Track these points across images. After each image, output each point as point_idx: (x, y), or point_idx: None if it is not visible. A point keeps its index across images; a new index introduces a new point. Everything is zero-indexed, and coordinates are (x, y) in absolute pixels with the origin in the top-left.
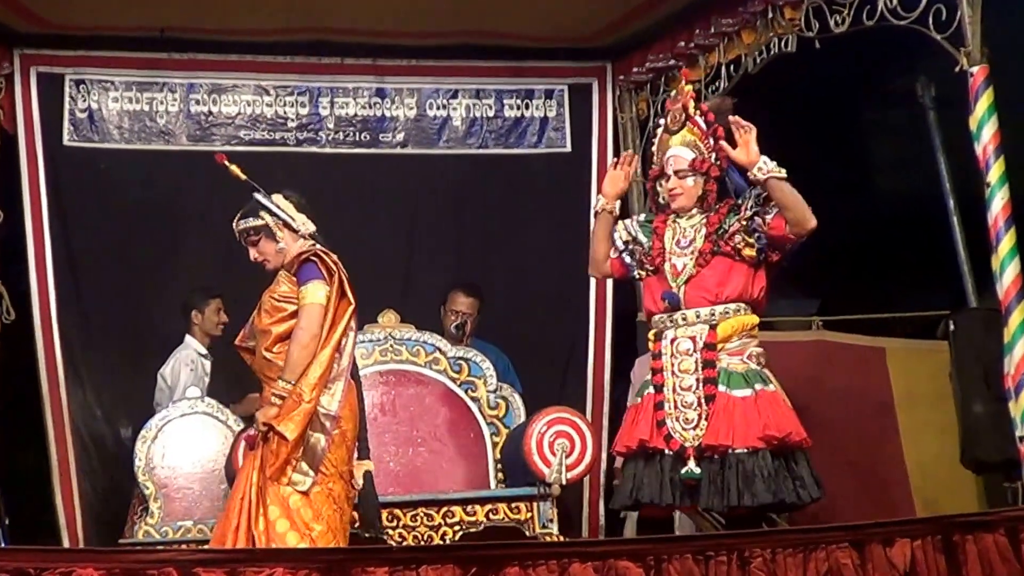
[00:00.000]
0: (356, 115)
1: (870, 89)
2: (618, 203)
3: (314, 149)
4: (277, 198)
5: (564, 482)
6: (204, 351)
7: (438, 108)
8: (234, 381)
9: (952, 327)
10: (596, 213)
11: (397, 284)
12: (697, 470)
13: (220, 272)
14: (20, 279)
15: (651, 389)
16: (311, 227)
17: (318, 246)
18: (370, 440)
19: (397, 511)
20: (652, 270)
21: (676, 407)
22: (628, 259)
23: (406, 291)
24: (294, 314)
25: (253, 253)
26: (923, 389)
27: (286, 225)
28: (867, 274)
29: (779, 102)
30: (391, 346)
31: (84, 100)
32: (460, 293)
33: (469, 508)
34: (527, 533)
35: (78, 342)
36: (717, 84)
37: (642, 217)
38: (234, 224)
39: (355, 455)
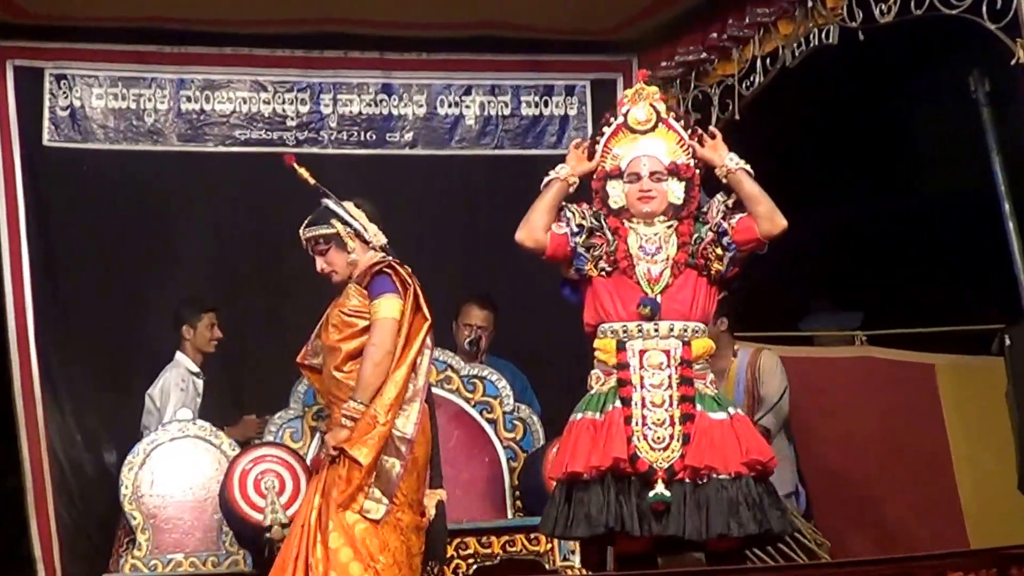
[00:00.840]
0: (361, 113)
1: (918, 84)
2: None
3: (315, 150)
4: (348, 206)
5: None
6: (196, 369)
7: (450, 106)
8: (229, 402)
9: (1008, 341)
10: (551, 181)
11: None
12: (667, 493)
13: (214, 283)
14: None
15: (617, 402)
16: (383, 239)
17: (390, 258)
18: None
19: None
20: (608, 271)
21: (645, 424)
22: (579, 247)
23: None
24: (365, 330)
25: (320, 263)
26: (976, 409)
27: (357, 235)
28: (914, 284)
29: (819, 99)
30: None
31: (66, 96)
32: (474, 306)
33: (484, 539)
34: (547, 566)
35: (57, 359)
36: (752, 79)
37: (590, 210)
38: (301, 231)
39: (426, 483)
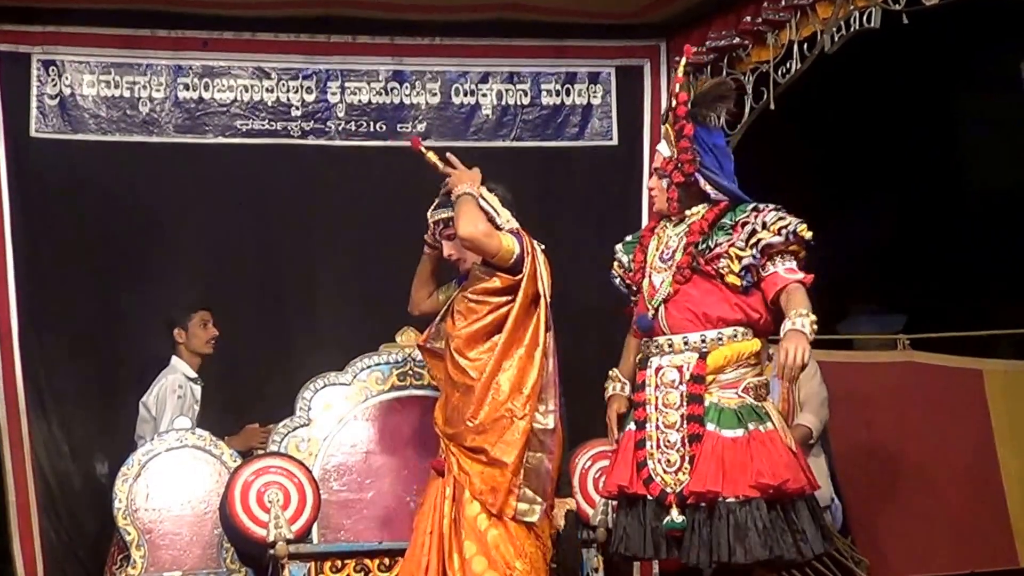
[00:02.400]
0: (370, 102)
1: (965, 72)
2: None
3: (322, 141)
4: (481, 189)
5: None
6: (193, 375)
7: (465, 94)
8: (229, 409)
9: None
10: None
11: None
12: (680, 519)
13: (212, 283)
14: None
15: (632, 425)
16: (515, 224)
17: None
18: (386, 477)
19: None
20: (635, 290)
21: (659, 446)
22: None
23: None
24: (492, 312)
25: (448, 249)
26: None
27: (489, 220)
28: (960, 285)
29: (858, 87)
30: (410, 369)
31: (55, 84)
32: None
33: None
34: None
35: (43, 363)
36: (788, 65)
37: (629, 238)
38: (428, 213)
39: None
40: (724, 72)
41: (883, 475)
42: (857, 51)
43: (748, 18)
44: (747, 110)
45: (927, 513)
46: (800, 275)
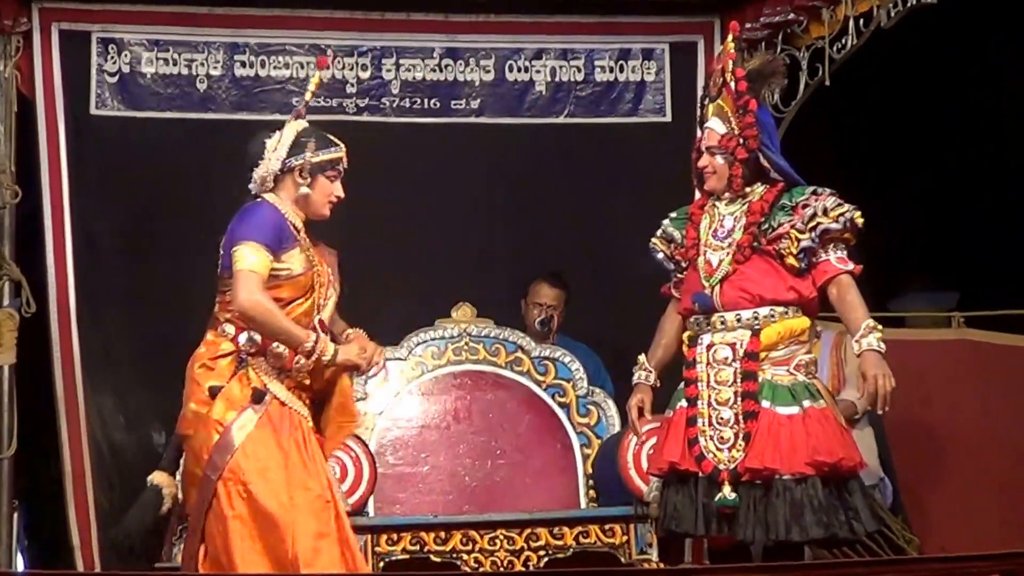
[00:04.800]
0: (424, 79)
1: (1020, 45)
2: None
3: (377, 118)
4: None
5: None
6: None
7: (519, 71)
8: None
9: None
10: None
11: (472, 273)
12: (732, 496)
13: None
14: (36, 266)
15: (683, 402)
16: None
17: None
18: (441, 452)
19: (473, 532)
20: (684, 266)
21: (711, 423)
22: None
23: (483, 281)
24: None
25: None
26: None
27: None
28: (1015, 261)
29: (915, 63)
30: (466, 344)
31: (114, 62)
32: (544, 284)
33: (556, 530)
34: (622, 560)
35: (100, 336)
36: (844, 41)
37: (674, 213)
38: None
39: None
40: (779, 48)
41: (936, 453)
42: (914, 26)
43: None
44: (802, 86)
45: (980, 492)
46: (850, 266)
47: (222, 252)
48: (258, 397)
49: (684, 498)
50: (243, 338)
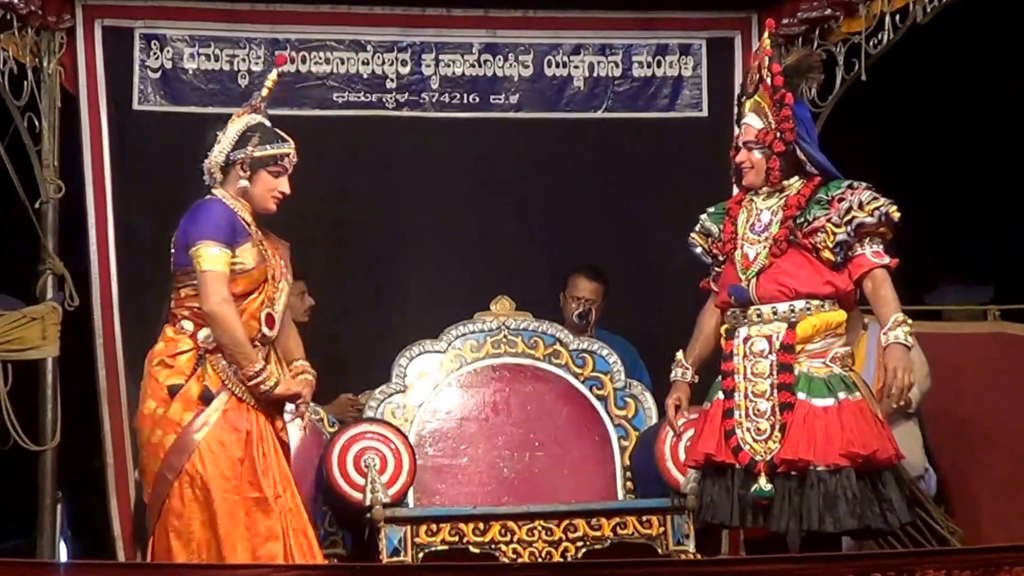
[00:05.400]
0: (464, 74)
1: None
2: None
3: (416, 113)
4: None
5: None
6: None
7: (557, 66)
8: (325, 377)
9: None
10: None
11: (511, 266)
12: (768, 487)
13: (306, 252)
14: (79, 260)
15: (720, 394)
16: None
17: None
18: (480, 444)
19: (512, 524)
20: (722, 260)
21: (748, 415)
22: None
23: (521, 275)
24: None
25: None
26: None
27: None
28: None
29: (951, 58)
30: (505, 337)
31: (156, 58)
32: (582, 277)
33: (594, 521)
34: (659, 551)
35: (141, 328)
36: (880, 36)
37: (712, 208)
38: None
39: None
40: (815, 44)
41: (973, 446)
42: (951, 21)
43: None
44: (838, 82)
45: (1016, 485)
46: (886, 259)
47: (174, 249)
48: (207, 398)
49: (720, 489)
50: (202, 335)
